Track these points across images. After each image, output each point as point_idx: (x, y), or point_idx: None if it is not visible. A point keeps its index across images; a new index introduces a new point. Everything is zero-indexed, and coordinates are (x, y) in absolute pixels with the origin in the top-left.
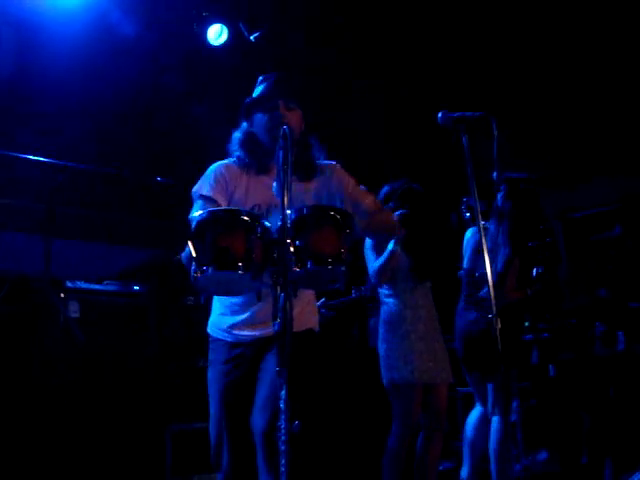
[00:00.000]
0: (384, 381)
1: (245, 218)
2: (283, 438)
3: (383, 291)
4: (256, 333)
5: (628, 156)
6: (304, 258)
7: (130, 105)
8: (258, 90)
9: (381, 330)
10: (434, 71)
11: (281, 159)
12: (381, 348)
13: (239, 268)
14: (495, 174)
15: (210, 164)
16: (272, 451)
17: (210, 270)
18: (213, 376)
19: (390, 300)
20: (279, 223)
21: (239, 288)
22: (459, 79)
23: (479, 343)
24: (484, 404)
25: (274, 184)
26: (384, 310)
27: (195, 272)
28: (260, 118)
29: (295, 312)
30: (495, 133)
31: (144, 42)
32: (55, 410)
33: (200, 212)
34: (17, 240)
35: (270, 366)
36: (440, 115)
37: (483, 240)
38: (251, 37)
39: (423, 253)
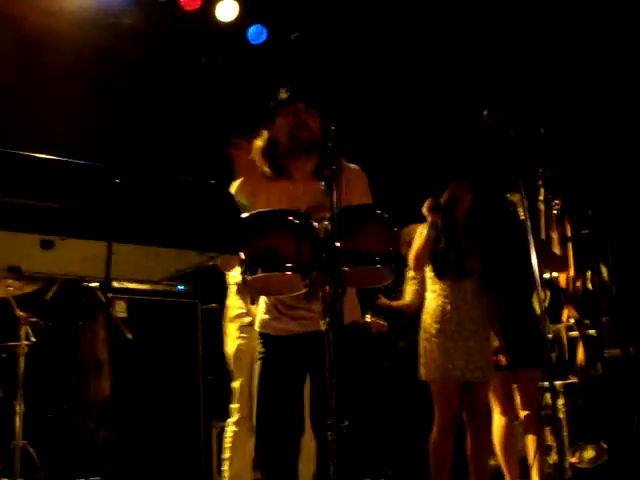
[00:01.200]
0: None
1: (292, 218)
2: (335, 437)
3: (428, 286)
4: (305, 328)
5: None
6: (352, 257)
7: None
8: (280, 97)
9: (421, 326)
10: (480, 68)
11: (329, 160)
12: (420, 344)
13: (288, 269)
14: (541, 170)
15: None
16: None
17: (259, 272)
18: (260, 369)
19: (430, 295)
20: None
21: (289, 288)
22: (503, 76)
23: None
24: (505, 411)
25: (322, 183)
26: (425, 305)
27: (245, 274)
28: (282, 122)
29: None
30: (542, 130)
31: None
32: (102, 407)
33: (247, 214)
34: (76, 245)
35: (321, 362)
36: (487, 112)
37: (530, 236)
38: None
39: (446, 250)
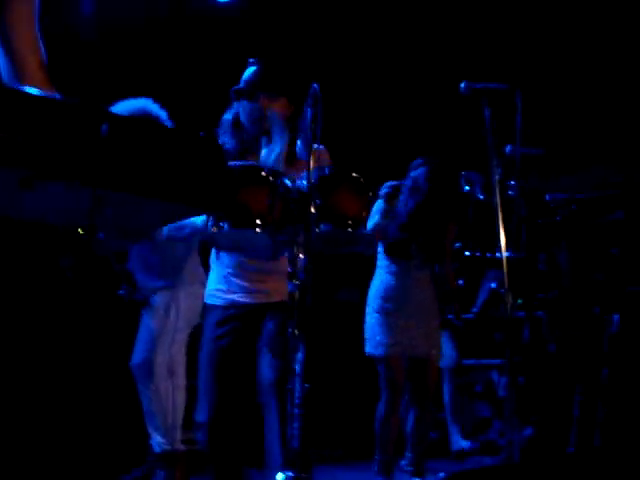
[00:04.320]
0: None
1: (266, 174)
2: (297, 402)
3: (377, 261)
4: (251, 300)
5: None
6: (324, 219)
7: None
8: (245, 75)
9: (368, 300)
10: (455, 40)
11: (309, 118)
12: (366, 318)
13: (257, 226)
14: (509, 148)
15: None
16: (281, 400)
17: (226, 226)
18: (206, 339)
19: (377, 271)
20: None
21: (255, 246)
22: (479, 49)
23: None
24: None
25: (298, 142)
26: (373, 280)
27: (212, 227)
28: (245, 106)
29: (276, 284)
30: (519, 107)
31: None
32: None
33: None
34: (60, 191)
35: (271, 329)
36: (463, 85)
37: (499, 213)
38: None
39: (409, 231)
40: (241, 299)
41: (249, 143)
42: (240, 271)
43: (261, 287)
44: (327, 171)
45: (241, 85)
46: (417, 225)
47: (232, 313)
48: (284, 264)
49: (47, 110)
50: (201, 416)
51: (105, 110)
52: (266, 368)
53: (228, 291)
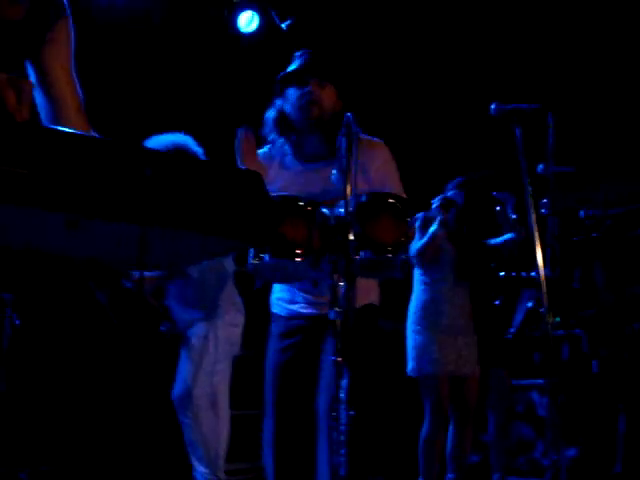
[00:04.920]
0: (408, 370)
1: (303, 204)
2: (343, 428)
3: (419, 277)
4: (314, 311)
5: None
6: (363, 246)
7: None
8: (292, 66)
9: (410, 317)
10: (486, 61)
11: (343, 146)
12: (409, 336)
13: (297, 255)
14: (541, 167)
15: None
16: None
17: (267, 257)
18: (270, 350)
19: (422, 288)
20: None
21: (296, 275)
22: (508, 70)
23: None
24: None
25: (333, 171)
26: (415, 297)
27: (253, 259)
28: (292, 94)
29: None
30: (551, 126)
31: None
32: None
33: None
34: (108, 229)
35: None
36: (493, 107)
37: (536, 232)
38: (282, 25)
39: (472, 249)
40: (304, 310)
41: (299, 142)
42: (304, 282)
43: (324, 298)
44: (364, 198)
45: (290, 70)
46: (463, 241)
47: (296, 324)
48: None
49: (89, 150)
50: (266, 431)
51: (147, 149)
52: (323, 394)
53: (291, 301)
